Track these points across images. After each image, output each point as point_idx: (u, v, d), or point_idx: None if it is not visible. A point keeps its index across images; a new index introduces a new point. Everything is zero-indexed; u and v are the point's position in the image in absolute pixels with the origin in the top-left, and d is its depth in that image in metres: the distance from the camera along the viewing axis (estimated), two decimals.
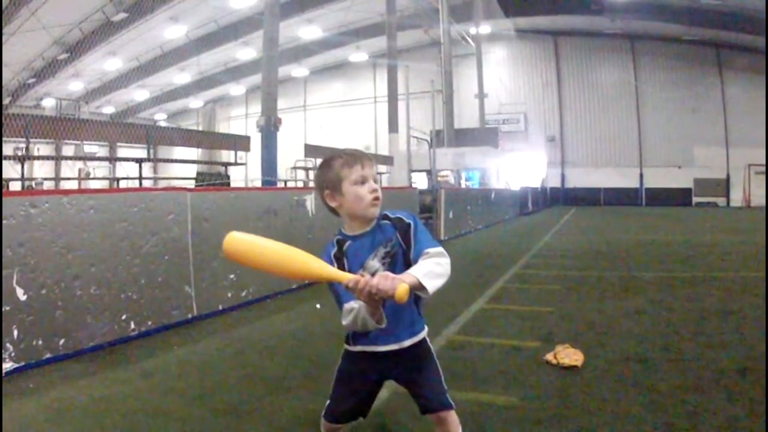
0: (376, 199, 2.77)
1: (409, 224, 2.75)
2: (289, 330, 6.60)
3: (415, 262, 2.65)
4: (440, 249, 2.64)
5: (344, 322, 2.66)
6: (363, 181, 2.76)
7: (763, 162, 38.60)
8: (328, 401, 3.06)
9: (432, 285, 2.46)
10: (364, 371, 2.93)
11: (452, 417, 2.87)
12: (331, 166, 2.84)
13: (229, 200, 7.73)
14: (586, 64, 46.38)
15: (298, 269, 2.52)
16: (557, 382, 4.60)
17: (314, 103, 54.03)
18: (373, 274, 2.53)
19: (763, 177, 40.20)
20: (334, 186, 2.82)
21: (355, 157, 2.81)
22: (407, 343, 2.82)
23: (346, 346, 2.96)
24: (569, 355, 5.07)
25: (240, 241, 2.74)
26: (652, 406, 4.02)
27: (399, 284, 2.32)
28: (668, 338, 5.85)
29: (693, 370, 4.79)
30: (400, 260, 2.74)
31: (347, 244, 2.86)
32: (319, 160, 20.59)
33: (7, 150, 18.11)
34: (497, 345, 5.64)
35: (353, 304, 2.59)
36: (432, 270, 2.52)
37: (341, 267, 2.75)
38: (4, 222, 4.91)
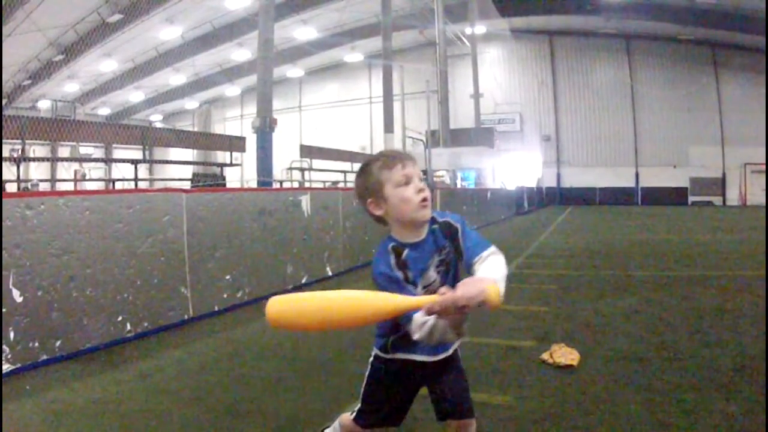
0: (425, 200, 2.52)
1: (457, 229, 2.56)
2: (285, 331, 6.59)
3: (468, 267, 2.47)
4: (493, 248, 2.45)
5: (416, 337, 2.32)
6: (407, 182, 2.53)
7: (760, 161, 38.66)
8: (359, 406, 2.89)
9: (504, 289, 2.17)
10: (400, 378, 2.79)
11: (473, 426, 2.84)
12: (369, 170, 2.60)
13: (225, 201, 7.73)
14: (581, 64, 46.40)
15: (365, 314, 2.19)
16: (553, 381, 4.61)
17: (310, 104, 53.98)
18: (427, 287, 2.51)
19: (759, 176, 40.29)
20: (376, 192, 2.57)
21: (393, 157, 2.60)
22: (450, 352, 2.73)
23: (379, 353, 2.78)
24: (565, 355, 5.07)
25: (285, 305, 2.33)
26: (649, 405, 4.02)
27: (487, 286, 2.04)
28: (664, 337, 5.86)
29: (689, 369, 4.79)
30: (454, 267, 2.61)
31: (405, 252, 2.55)
32: (315, 161, 20.66)
33: (3, 152, 18.08)
34: (493, 344, 5.64)
35: (424, 317, 2.24)
36: (503, 273, 2.31)
37: (405, 278, 2.51)
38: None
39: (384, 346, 2.74)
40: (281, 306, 2.32)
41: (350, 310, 2.20)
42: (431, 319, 2.22)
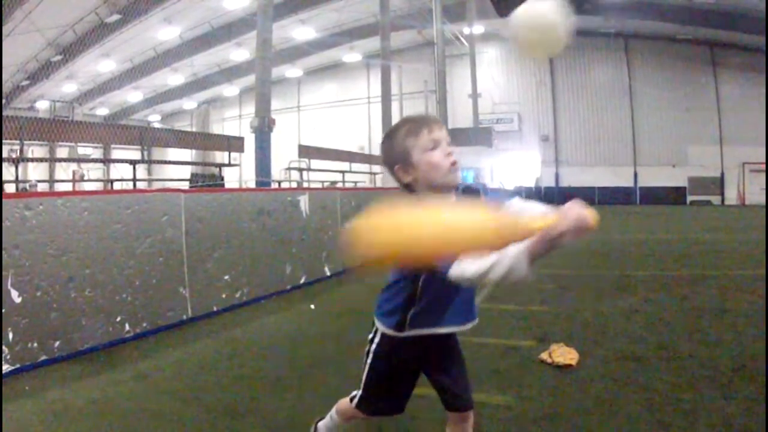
0: (454, 164, 2.47)
1: (478, 190, 2.55)
2: (283, 331, 6.60)
3: None
4: (518, 198, 2.46)
5: (494, 276, 2.06)
6: (435, 146, 2.46)
7: (758, 160, 38.67)
8: (360, 393, 2.86)
9: None
10: (406, 361, 2.74)
11: (472, 417, 2.85)
12: (395, 137, 2.55)
13: (223, 201, 7.72)
14: (579, 64, 46.36)
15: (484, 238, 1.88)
16: (552, 381, 4.61)
17: (308, 104, 53.91)
18: None
19: (758, 175, 40.30)
20: (403, 159, 2.50)
21: (419, 121, 2.53)
22: (469, 325, 2.66)
23: (391, 333, 2.66)
24: (564, 354, 5.08)
25: (377, 230, 2.02)
26: (648, 405, 4.02)
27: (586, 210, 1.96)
28: (663, 337, 5.86)
29: (688, 369, 4.80)
30: None
31: None
32: (313, 161, 20.65)
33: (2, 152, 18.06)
34: (492, 344, 5.64)
35: (516, 249, 2.03)
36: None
37: None
38: None
39: (399, 324, 2.62)
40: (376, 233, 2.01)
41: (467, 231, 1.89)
42: (500, 257, 2.03)
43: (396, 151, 2.52)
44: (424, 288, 2.52)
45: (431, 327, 2.60)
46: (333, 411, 3.13)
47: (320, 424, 3.27)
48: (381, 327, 2.70)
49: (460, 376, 2.79)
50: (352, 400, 2.91)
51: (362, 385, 2.83)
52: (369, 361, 2.79)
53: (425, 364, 2.77)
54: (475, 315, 2.69)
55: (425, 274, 2.48)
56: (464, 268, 2.11)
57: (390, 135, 2.58)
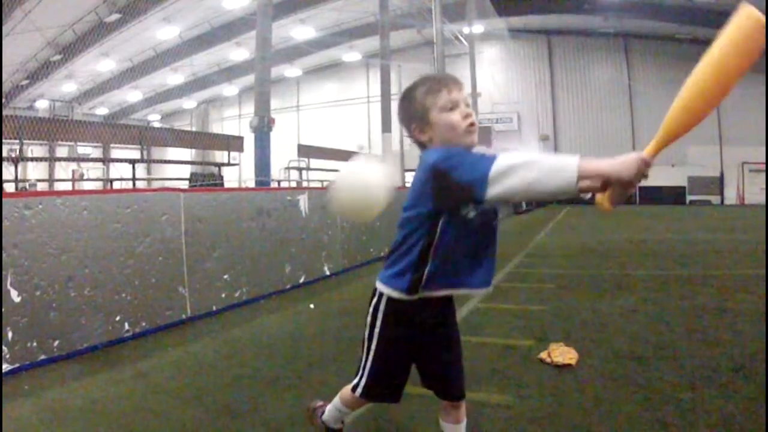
0: (472, 125, 2.45)
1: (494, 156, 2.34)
2: (283, 330, 6.60)
3: None
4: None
5: (534, 172, 2.05)
6: (453, 107, 2.45)
7: (757, 160, 38.70)
8: (364, 377, 2.75)
9: None
10: (414, 332, 2.62)
11: (464, 406, 2.82)
12: (413, 96, 2.54)
13: (223, 201, 7.72)
14: (579, 63, 46.38)
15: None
16: (551, 380, 4.61)
17: (307, 103, 53.91)
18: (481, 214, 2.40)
19: (757, 175, 40.32)
20: (420, 118, 2.50)
21: (438, 80, 2.52)
22: (484, 290, 2.57)
23: (401, 296, 2.54)
24: (563, 354, 5.08)
25: None
26: (647, 404, 4.02)
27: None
28: (662, 336, 5.86)
29: (687, 368, 4.80)
30: None
31: None
32: (313, 160, 20.67)
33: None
34: (491, 344, 5.65)
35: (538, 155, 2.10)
36: None
37: None
38: None
39: (412, 285, 2.51)
40: None
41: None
42: (576, 161, 2.03)
43: (414, 109, 2.52)
44: (442, 235, 2.42)
45: (448, 287, 2.53)
46: (337, 400, 3.10)
47: (325, 415, 3.23)
48: (388, 291, 2.60)
49: (457, 362, 2.76)
50: (354, 389, 2.83)
51: (366, 367, 2.75)
52: (376, 332, 2.68)
53: (427, 345, 2.69)
54: (491, 281, 2.57)
55: (446, 215, 2.39)
56: (507, 157, 2.11)
57: (408, 93, 2.57)
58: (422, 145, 2.54)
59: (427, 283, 2.49)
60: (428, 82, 2.52)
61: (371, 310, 2.68)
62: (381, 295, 2.63)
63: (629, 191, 2.15)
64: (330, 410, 3.16)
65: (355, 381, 2.82)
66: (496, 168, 2.09)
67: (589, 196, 2.29)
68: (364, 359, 2.75)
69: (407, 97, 2.57)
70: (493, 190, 2.10)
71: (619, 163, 2.03)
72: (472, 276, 2.50)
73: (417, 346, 2.69)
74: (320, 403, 3.42)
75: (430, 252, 2.44)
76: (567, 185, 2.04)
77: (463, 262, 2.47)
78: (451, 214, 2.39)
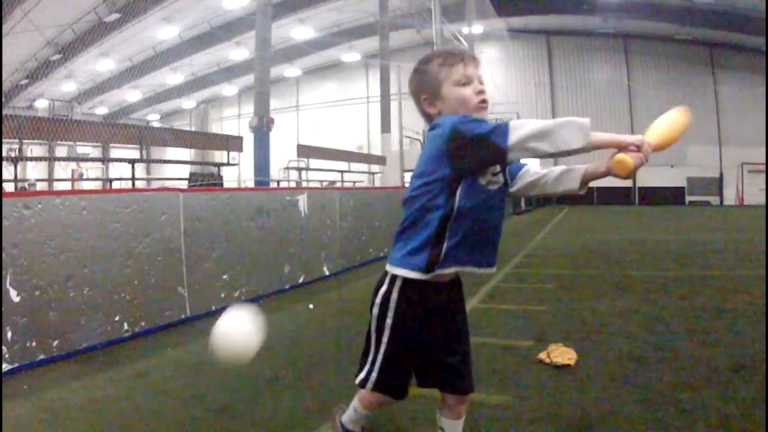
0: (484, 101, 2.43)
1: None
2: (282, 330, 6.59)
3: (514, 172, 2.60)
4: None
5: (553, 135, 2.14)
6: (467, 82, 2.41)
7: (756, 160, 38.74)
8: (375, 368, 2.57)
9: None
10: (426, 322, 2.50)
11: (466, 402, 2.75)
12: (428, 68, 2.49)
13: (222, 201, 7.72)
14: (578, 64, 46.44)
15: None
16: (551, 381, 4.61)
17: (307, 103, 53.97)
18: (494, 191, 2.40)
19: (756, 175, 40.36)
20: (432, 90, 2.46)
21: (455, 54, 2.48)
22: (490, 270, 2.51)
23: (417, 275, 2.41)
24: (562, 354, 5.07)
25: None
26: (646, 405, 4.02)
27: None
28: (662, 337, 5.86)
29: (687, 369, 4.80)
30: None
31: None
32: (312, 160, 20.65)
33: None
34: (490, 344, 5.64)
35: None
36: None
37: None
38: None
39: (430, 261, 2.39)
40: None
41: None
42: (588, 128, 2.19)
43: (426, 80, 2.48)
44: (461, 204, 2.33)
45: (459, 264, 2.42)
46: (355, 403, 2.90)
47: (344, 416, 3.06)
48: (404, 272, 2.45)
49: (468, 353, 2.68)
50: (363, 384, 2.64)
51: (377, 360, 2.56)
52: (388, 322, 2.51)
53: (441, 333, 2.56)
54: (496, 261, 2.54)
55: (464, 182, 2.32)
56: (526, 122, 2.16)
57: (423, 63, 2.54)
58: (429, 118, 2.52)
59: (447, 258, 2.38)
60: (445, 55, 2.48)
61: (380, 300, 2.53)
62: (394, 279, 2.49)
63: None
64: (349, 411, 3.01)
65: (362, 375, 2.64)
66: (513, 122, 2.16)
67: (584, 191, 2.52)
68: (373, 352, 2.58)
69: (422, 67, 2.54)
70: (515, 135, 2.13)
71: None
72: (481, 254, 2.45)
73: (430, 334, 2.55)
74: (344, 405, 3.35)
75: (449, 224, 2.34)
76: (584, 137, 2.16)
77: (476, 237, 2.40)
78: (469, 182, 2.33)
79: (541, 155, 2.17)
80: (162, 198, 6.73)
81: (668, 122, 2.34)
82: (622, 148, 2.22)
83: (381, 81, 24.34)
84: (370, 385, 2.60)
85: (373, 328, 2.58)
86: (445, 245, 2.36)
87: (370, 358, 2.60)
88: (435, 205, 2.34)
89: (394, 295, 2.48)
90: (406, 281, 2.45)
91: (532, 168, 2.60)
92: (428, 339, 2.54)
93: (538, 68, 47.33)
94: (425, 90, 2.48)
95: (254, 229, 8.25)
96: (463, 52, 2.50)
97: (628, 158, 2.21)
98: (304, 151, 19.47)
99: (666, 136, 2.31)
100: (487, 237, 2.44)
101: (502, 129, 2.16)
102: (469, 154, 2.24)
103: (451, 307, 2.61)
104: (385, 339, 2.52)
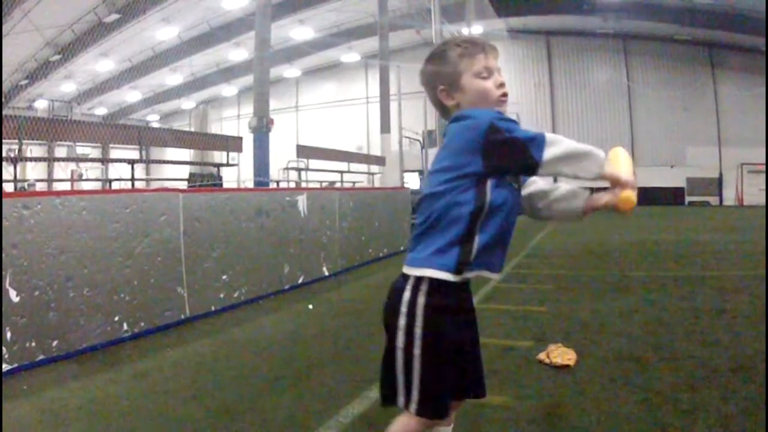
0: (504, 95, 2.32)
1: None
2: (281, 330, 6.60)
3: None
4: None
5: (579, 159, 2.12)
6: (488, 74, 2.29)
7: (756, 161, 38.73)
8: (409, 395, 2.21)
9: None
10: (458, 326, 2.27)
11: None
12: (446, 56, 2.32)
13: (221, 201, 7.72)
14: (578, 64, 46.38)
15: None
16: (550, 381, 4.61)
17: (306, 104, 53.91)
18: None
19: (756, 176, 40.35)
20: (451, 81, 2.31)
21: (476, 44, 2.32)
22: (500, 276, 2.37)
23: (448, 276, 2.17)
24: (562, 355, 5.07)
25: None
26: (646, 405, 4.02)
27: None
28: (661, 337, 5.86)
29: (686, 369, 4.80)
30: None
31: None
32: (311, 161, 20.63)
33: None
34: (490, 344, 5.64)
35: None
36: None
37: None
38: None
39: (460, 261, 2.17)
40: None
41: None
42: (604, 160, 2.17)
43: (444, 70, 2.34)
44: (493, 199, 2.18)
45: (486, 268, 2.24)
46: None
47: None
48: (430, 272, 2.19)
49: (479, 353, 2.45)
50: (407, 405, 2.23)
51: (415, 380, 2.19)
52: (418, 332, 2.19)
53: (468, 338, 2.36)
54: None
55: (493, 179, 2.17)
56: (561, 140, 2.11)
57: (441, 52, 2.38)
58: (445, 110, 2.39)
59: (478, 259, 2.19)
60: (465, 44, 2.33)
61: (405, 308, 2.21)
62: (419, 281, 2.20)
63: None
64: None
65: (402, 399, 2.24)
66: (549, 135, 2.10)
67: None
68: (404, 371, 2.22)
69: (439, 55, 2.37)
70: (550, 152, 2.07)
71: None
72: (500, 257, 2.30)
73: (462, 338, 2.31)
74: None
75: (479, 220, 2.17)
76: (598, 170, 2.14)
77: (501, 237, 2.26)
78: (497, 179, 2.19)
79: (557, 176, 2.13)
80: (161, 198, 6.73)
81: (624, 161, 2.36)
82: (618, 184, 2.21)
83: (380, 81, 24.31)
84: (413, 406, 2.22)
85: (399, 344, 2.23)
86: (475, 243, 2.18)
87: (401, 379, 2.23)
88: (464, 200, 2.16)
89: (421, 301, 2.19)
90: (432, 284, 2.19)
91: (539, 179, 2.44)
92: (461, 344, 2.30)
93: (538, 68, 47.27)
94: (443, 80, 2.34)
95: (254, 230, 8.25)
96: (484, 42, 2.36)
97: (633, 196, 2.26)
98: (304, 151, 19.43)
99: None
100: (507, 238, 2.33)
101: (539, 141, 2.08)
102: (504, 154, 2.12)
103: (473, 307, 2.44)
104: (417, 352, 2.18)
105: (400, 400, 2.24)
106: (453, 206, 2.17)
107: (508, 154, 2.11)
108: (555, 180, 2.47)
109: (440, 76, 2.34)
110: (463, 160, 2.16)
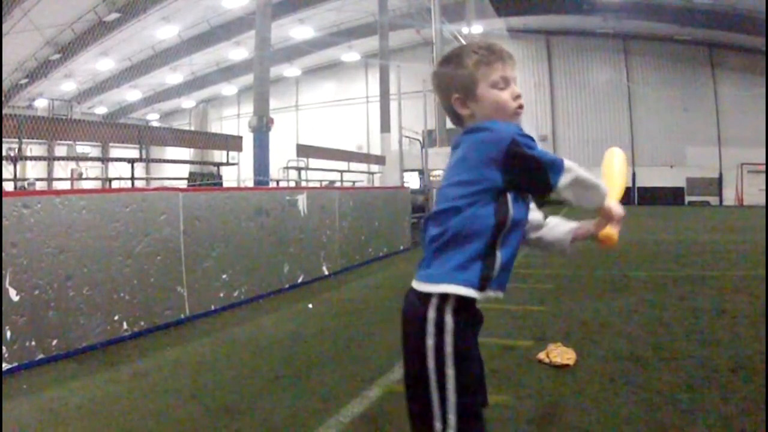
0: (520, 107, 2.22)
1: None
2: (281, 330, 6.60)
3: None
4: None
5: (591, 189, 2.14)
6: (504, 85, 2.20)
7: (756, 161, 38.75)
8: (445, 414, 2.07)
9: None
10: (474, 339, 2.24)
11: None
12: (463, 63, 2.22)
13: (221, 200, 7.72)
14: (578, 64, 46.39)
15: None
16: (550, 381, 4.61)
17: (306, 103, 53.94)
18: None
19: (755, 176, 40.37)
20: (466, 89, 2.21)
21: (493, 51, 2.23)
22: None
23: (470, 292, 2.09)
24: (562, 354, 5.07)
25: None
26: (645, 405, 4.02)
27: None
28: (661, 337, 5.86)
29: (686, 369, 4.80)
30: None
31: None
32: (311, 160, 20.65)
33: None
34: (489, 344, 5.63)
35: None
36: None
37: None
38: None
39: (482, 278, 2.10)
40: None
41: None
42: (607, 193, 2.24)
43: (460, 78, 2.23)
44: (514, 213, 2.13)
45: (503, 288, 2.20)
46: None
47: None
48: (454, 288, 2.08)
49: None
50: (445, 430, 2.08)
51: (449, 405, 2.07)
52: (449, 351, 2.09)
53: (478, 350, 2.29)
54: None
55: (513, 192, 2.12)
56: (576, 168, 2.09)
57: (456, 58, 2.27)
58: (459, 119, 2.29)
59: (500, 276, 2.15)
60: (483, 51, 2.23)
61: (431, 328, 2.09)
62: (443, 300, 2.10)
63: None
64: None
65: (439, 426, 2.08)
66: (568, 162, 2.08)
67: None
68: (438, 394, 2.09)
69: (454, 62, 2.27)
70: (566, 178, 2.06)
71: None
72: (507, 276, 2.23)
73: (478, 351, 2.28)
74: None
75: (500, 235, 2.10)
76: (602, 197, 2.22)
77: (514, 256, 2.20)
78: (515, 193, 2.14)
79: (562, 200, 2.14)
80: (161, 197, 6.73)
81: (618, 174, 2.59)
82: (608, 218, 2.29)
83: (380, 81, 24.34)
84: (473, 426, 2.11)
85: (430, 365, 2.09)
86: (498, 259, 2.12)
87: (436, 404, 2.09)
88: (485, 214, 2.09)
89: (449, 320, 2.09)
90: (457, 301, 2.11)
91: (534, 209, 2.38)
92: (480, 357, 2.28)
93: (538, 68, 47.26)
94: (458, 88, 2.24)
95: (254, 229, 8.25)
96: (502, 50, 2.27)
97: (615, 235, 2.31)
98: (304, 150, 19.45)
99: (621, 189, 2.51)
100: (517, 255, 2.25)
101: (558, 166, 2.05)
102: (523, 172, 2.08)
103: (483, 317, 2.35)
104: (450, 372, 2.07)
105: (437, 426, 2.08)
106: (474, 221, 2.09)
107: (527, 172, 2.08)
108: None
109: (455, 83, 2.25)
110: (482, 173, 2.09)
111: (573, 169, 2.08)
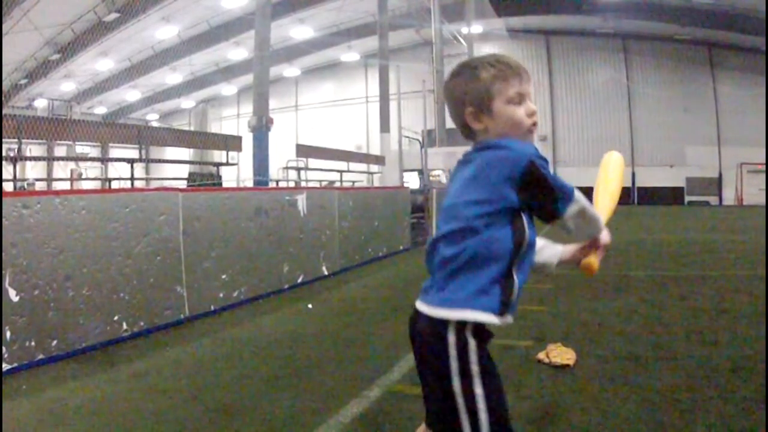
0: (535, 124, 2.16)
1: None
2: (281, 330, 6.59)
3: None
4: None
5: (591, 221, 2.22)
6: (520, 101, 2.14)
7: (755, 161, 38.76)
8: (498, 427, 2.08)
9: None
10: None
11: None
12: (479, 77, 2.15)
13: (221, 200, 7.72)
14: (578, 64, 46.37)
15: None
16: (549, 381, 4.61)
17: (306, 103, 53.91)
18: None
19: (755, 176, 40.36)
20: (481, 104, 2.14)
21: (510, 66, 2.17)
22: None
23: (491, 318, 2.08)
24: (561, 354, 5.07)
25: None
26: (645, 405, 4.02)
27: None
28: (661, 337, 5.86)
29: (685, 369, 4.80)
30: None
31: None
32: (311, 160, 20.64)
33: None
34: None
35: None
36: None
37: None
38: None
39: (503, 303, 2.09)
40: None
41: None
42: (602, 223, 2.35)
43: (475, 92, 2.16)
44: (528, 233, 2.10)
45: (515, 313, 2.18)
46: None
47: None
48: (474, 315, 2.05)
49: None
50: None
51: (480, 418, 2.04)
52: (476, 372, 2.08)
53: None
54: None
55: (526, 212, 2.09)
56: (583, 200, 2.11)
57: (471, 71, 2.20)
58: (471, 133, 2.24)
59: (515, 303, 2.13)
60: (500, 65, 2.16)
61: (454, 351, 2.07)
62: (463, 326, 2.07)
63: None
64: None
65: None
66: (578, 193, 2.09)
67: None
68: (469, 419, 2.05)
69: (468, 75, 2.20)
70: (573, 209, 2.07)
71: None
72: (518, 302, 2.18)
73: None
74: None
75: (517, 257, 2.08)
76: (598, 232, 2.37)
77: (529, 274, 2.19)
78: (528, 214, 2.11)
79: (560, 229, 2.17)
80: (161, 198, 6.73)
81: (614, 189, 2.75)
82: (595, 245, 2.42)
83: (380, 81, 24.32)
84: None
85: (456, 388, 2.05)
86: (515, 282, 2.10)
87: (467, 423, 2.05)
88: (502, 236, 2.05)
89: (472, 342, 2.08)
90: (477, 325, 2.09)
91: None
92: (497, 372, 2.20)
93: (538, 68, 47.21)
94: (471, 103, 2.17)
95: (253, 229, 8.25)
96: (518, 65, 2.20)
97: (596, 264, 2.45)
98: (303, 150, 19.43)
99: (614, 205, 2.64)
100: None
101: (569, 195, 2.05)
102: (535, 194, 2.04)
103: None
104: (479, 391, 2.05)
105: None
106: (492, 242, 2.05)
107: (538, 195, 2.05)
108: None
109: (470, 97, 2.18)
110: (499, 193, 2.03)
111: (580, 200, 2.08)
